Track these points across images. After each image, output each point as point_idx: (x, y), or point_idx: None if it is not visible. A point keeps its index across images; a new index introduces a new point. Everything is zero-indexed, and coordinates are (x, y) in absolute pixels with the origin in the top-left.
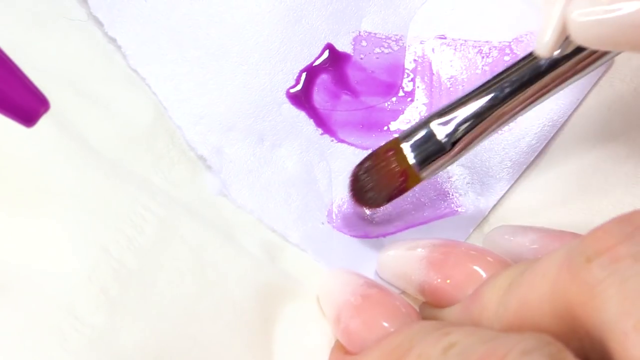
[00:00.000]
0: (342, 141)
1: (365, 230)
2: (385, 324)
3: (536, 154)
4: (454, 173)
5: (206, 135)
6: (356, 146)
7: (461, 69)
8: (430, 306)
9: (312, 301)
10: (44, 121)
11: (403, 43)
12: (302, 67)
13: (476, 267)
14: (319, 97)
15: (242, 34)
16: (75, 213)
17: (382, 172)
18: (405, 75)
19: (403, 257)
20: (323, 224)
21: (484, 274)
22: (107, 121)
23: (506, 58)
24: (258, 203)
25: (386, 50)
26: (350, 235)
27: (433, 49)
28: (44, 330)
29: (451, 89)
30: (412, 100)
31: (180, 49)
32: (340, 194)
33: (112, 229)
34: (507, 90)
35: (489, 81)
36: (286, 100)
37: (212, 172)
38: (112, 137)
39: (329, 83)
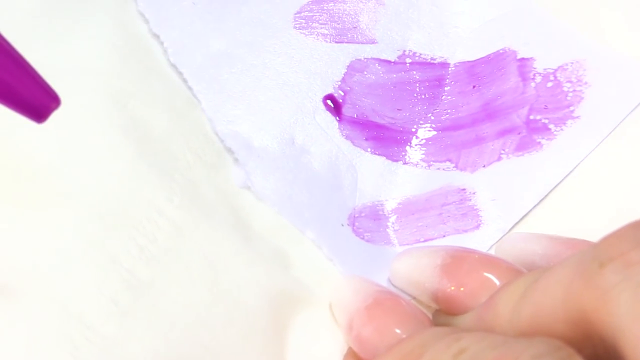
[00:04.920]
0: (373, 153)
1: (384, 239)
2: (398, 331)
3: (564, 176)
4: (478, 189)
5: (237, 129)
6: (386, 157)
7: (503, 90)
8: (443, 314)
9: (325, 309)
10: (57, 121)
11: (446, 63)
12: (341, 77)
13: (490, 275)
14: (354, 108)
15: (289, 39)
16: (87, 220)
17: None
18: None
19: (416, 265)
20: (343, 225)
21: (497, 282)
22: (122, 122)
23: (549, 85)
24: (280, 197)
25: (429, 71)
26: (368, 242)
27: (475, 70)
28: (54, 338)
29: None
30: None
31: (224, 49)
32: (364, 200)
33: (124, 237)
34: None
35: None
36: (322, 107)
37: (238, 164)
38: (128, 139)
39: (365, 95)
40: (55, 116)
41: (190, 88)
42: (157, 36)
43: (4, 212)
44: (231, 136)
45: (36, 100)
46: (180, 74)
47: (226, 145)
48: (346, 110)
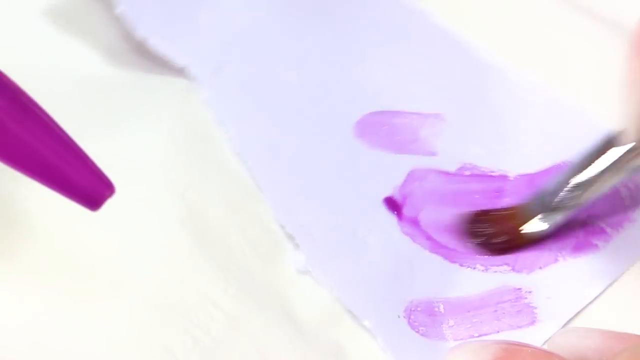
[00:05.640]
0: (432, 251)
1: (439, 335)
2: None
3: (620, 274)
4: (534, 288)
5: (298, 219)
6: (444, 257)
7: None
8: None
9: None
10: (114, 212)
11: (506, 175)
12: (401, 182)
13: None
14: (415, 209)
15: (349, 145)
16: (142, 311)
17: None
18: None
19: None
20: (399, 317)
21: None
22: (179, 213)
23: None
24: (339, 282)
25: (489, 183)
26: (422, 336)
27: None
28: None
29: None
30: None
31: (288, 146)
32: (421, 295)
33: (178, 328)
34: None
35: None
36: (382, 205)
37: (298, 250)
38: (185, 230)
39: (425, 200)
40: (113, 207)
41: (253, 177)
42: (222, 124)
43: (62, 303)
44: (292, 223)
45: (90, 187)
46: (244, 162)
47: (287, 231)
48: (407, 211)
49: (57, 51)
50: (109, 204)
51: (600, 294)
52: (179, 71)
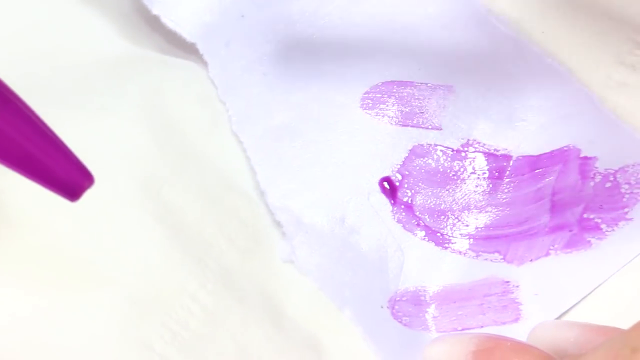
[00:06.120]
0: (423, 238)
1: (422, 325)
2: None
3: (608, 277)
4: (522, 283)
5: (289, 203)
6: (435, 243)
7: (562, 187)
8: None
9: None
10: (91, 207)
11: (509, 155)
12: (402, 160)
13: None
14: (410, 193)
15: (354, 118)
16: (120, 305)
17: None
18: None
19: (448, 351)
20: (382, 307)
21: None
22: (156, 208)
23: (607, 185)
24: (323, 273)
25: (491, 161)
26: (406, 326)
27: (536, 165)
28: None
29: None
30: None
31: (287, 122)
32: (407, 284)
33: (157, 323)
34: None
35: None
36: (377, 188)
37: (285, 238)
38: (162, 225)
39: (423, 181)
40: (90, 202)
41: (248, 158)
42: (223, 103)
43: (39, 297)
44: (282, 210)
45: (69, 178)
46: (240, 142)
47: (275, 218)
48: (401, 195)
49: (38, 38)
50: (86, 198)
51: (588, 295)
52: (158, 63)
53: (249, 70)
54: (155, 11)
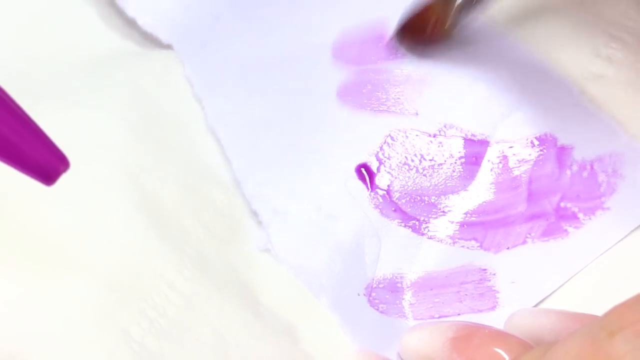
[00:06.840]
0: (400, 224)
1: (399, 312)
2: None
3: (585, 266)
4: (499, 271)
5: (266, 191)
6: (412, 230)
7: (539, 175)
8: None
9: None
10: (68, 192)
11: (486, 141)
12: (378, 146)
13: (499, 350)
14: (387, 179)
15: (330, 107)
16: (97, 292)
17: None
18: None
19: (426, 339)
20: (359, 294)
21: (506, 357)
22: (134, 195)
23: (584, 174)
24: (299, 261)
25: (468, 147)
26: (382, 313)
27: (514, 151)
28: None
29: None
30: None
31: (264, 114)
32: (384, 271)
33: (134, 310)
34: None
35: None
36: (354, 175)
37: (261, 227)
38: (140, 212)
39: (400, 166)
40: (66, 187)
41: (223, 147)
42: (199, 100)
43: (15, 281)
44: (258, 198)
45: (44, 161)
46: (217, 139)
47: (252, 207)
48: (378, 181)
49: (17, 33)
50: (64, 185)
51: (564, 283)
52: (137, 55)
53: (224, 68)
54: (130, 14)
